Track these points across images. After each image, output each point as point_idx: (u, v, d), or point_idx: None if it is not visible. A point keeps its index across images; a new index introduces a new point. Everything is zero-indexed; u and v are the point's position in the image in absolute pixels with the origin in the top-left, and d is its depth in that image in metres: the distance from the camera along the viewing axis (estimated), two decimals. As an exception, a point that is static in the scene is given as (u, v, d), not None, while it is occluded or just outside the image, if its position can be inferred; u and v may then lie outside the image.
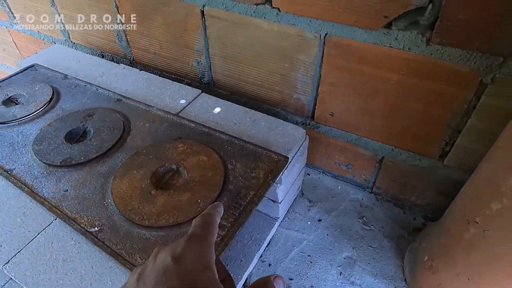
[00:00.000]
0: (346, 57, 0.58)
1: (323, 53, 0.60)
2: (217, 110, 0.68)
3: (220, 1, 0.65)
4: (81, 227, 0.48)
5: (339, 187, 0.77)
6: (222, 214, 0.40)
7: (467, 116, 0.53)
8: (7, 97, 0.71)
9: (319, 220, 0.70)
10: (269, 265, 0.63)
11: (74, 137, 0.62)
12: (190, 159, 0.56)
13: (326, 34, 0.58)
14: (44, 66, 0.82)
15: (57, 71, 0.80)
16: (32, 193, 0.53)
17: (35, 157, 0.58)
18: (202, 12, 0.69)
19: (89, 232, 0.47)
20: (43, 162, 0.57)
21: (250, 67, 0.71)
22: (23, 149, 0.60)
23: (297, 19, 0.59)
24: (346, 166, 0.74)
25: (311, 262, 0.63)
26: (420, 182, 0.67)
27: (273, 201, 0.63)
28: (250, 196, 0.51)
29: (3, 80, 0.78)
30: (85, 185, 0.54)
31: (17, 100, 0.71)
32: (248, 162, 0.56)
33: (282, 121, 0.65)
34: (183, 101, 0.70)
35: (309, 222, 0.70)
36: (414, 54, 0.52)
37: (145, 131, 0.63)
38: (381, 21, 0.52)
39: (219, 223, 0.39)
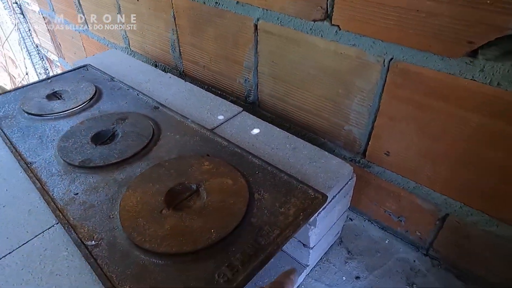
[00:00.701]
0: (413, 88, 0.49)
1: (385, 80, 0.51)
2: (256, 131, 0.61)
3: (276, 15, 0.60)
4: (78, 237, 0.42)
5: (387, 241, 0.64)
6: (296, 285, 0.35)
7: None
8: (52, 91, 0.72)
9: (357, 278, 0.58)
10: (288, 322, 0.52)
11: (101, 138, 0.59)
12: (214, 180, 0.49)
13: (391, 58, 0.49)
14: (95, 67, 0.82)
15: (106, 73, 0.80)
16: (43, 191, 0.49)
17: (57, 153, 0.55)
18: (256, 26, 0.64)
19: (84, 244, 0.42)
20: (63, 160, 0.54)
21: (299, 90, 0.64)
22: (50, 144, 0.58)
23: (358, 39, 0.51)
24: (398, 217, 0.62)
25: (339, 329, 0.51)
26: (493, 254, 0.52)
27: (304, 245, 0.53)
28: (274, 235, 0.42)
29: (55, 75, 0.80)
30: (96, 191, 0.49)
31: (60, 96, 0.71)
32: (278, 194, 0.48)
33: (326, 153, 0.56)
34: (221, 117, 0.65)
35: (344, 278, 0.58)
36: (504, 92, 0.41)
37: (173, 142, 0.58)
38: (463, 48, 0.42)
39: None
